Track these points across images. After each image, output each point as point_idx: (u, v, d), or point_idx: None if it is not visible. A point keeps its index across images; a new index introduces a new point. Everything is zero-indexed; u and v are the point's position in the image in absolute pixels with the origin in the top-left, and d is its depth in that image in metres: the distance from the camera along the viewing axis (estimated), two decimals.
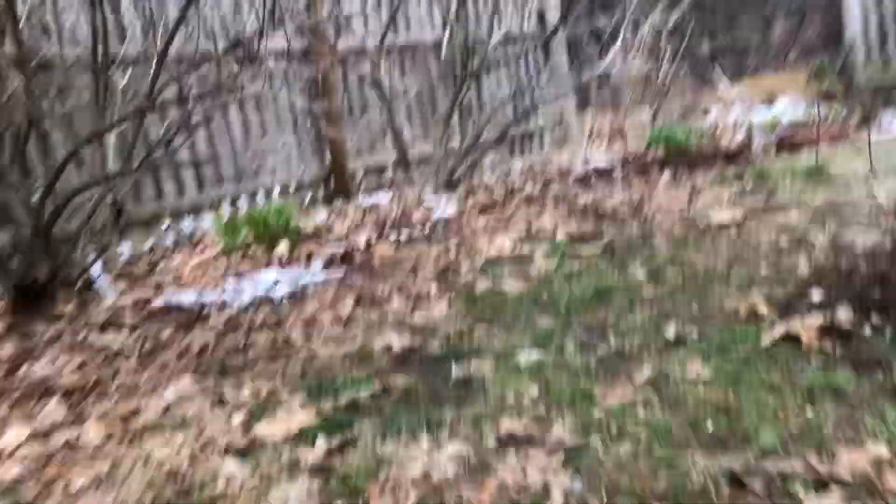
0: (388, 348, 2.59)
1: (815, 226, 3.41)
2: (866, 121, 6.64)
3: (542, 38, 7.02)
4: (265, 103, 5.76)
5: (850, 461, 1.60)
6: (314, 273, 3.93)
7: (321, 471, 1.86)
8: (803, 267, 2.74)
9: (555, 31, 6.46)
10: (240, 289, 3.73)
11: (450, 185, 5.62)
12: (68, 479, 1.92)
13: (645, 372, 2.16)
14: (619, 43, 5.91)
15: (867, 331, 2.17)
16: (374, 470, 1.82)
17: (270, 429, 2.09)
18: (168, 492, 1.83)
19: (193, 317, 3.22)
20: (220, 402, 2.32)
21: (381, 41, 5.50)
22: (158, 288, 3.80)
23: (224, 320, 3.16)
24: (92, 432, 2.17)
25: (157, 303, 3.49)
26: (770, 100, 9.20)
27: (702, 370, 2.12)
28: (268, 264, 4.18)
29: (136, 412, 2.29)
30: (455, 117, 5.67)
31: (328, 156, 6.09)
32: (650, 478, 1.65)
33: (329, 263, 4.06)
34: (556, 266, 3.34)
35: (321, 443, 1.97)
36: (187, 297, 3.55)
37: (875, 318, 2.21)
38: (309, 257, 4.22)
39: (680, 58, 7.66)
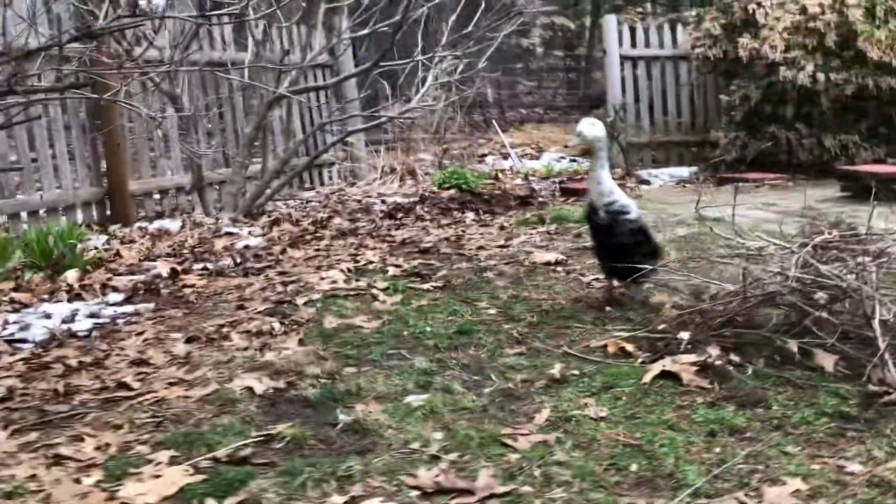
0: (251, 391, 2.30)
1: None
2: (628, 175, 7.38)
3: (340, 74, 6.93)
4: (32, 111, 5.02)
5: (776, 497, 1.67)
6: (116, 306, 3.45)
7: None
8: (666, 307, 2.88)
9: (358, 73, 6.38)
10: (25, 323, 3.16)
11: (250, 213, 5.29)
12: None
13: (544, 412, 2.12)
14: (425, 87, 5.99)
15: (732, 368, 2.33)
16: None
17: (140, 491, 1.74)
18: None
19: None
20: (58, 461, 1.90)
21: (182, 53, 5.06)
22: None
23: (23, 359, 2.63)
24: None
25: None
26: (538, 151, 9.90)
27: (599, 409, 2.13)
28: (52, 294, 3.60)
29: None
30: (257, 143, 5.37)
31: (106, 175, 5.46)
32: None
33: (132, 295, 3.58)
34: (401, 302, 3.23)
35: None
36: None
37: (735, 357, 2.38)
38: (104, 287, 3.70)
39: (467, 105, 7.98)
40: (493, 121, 9.66)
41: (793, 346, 2.30)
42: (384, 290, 3.43)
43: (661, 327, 2.59)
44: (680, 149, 8.24)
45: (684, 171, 7.66)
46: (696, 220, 4.77)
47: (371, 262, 3.97)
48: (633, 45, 8.07)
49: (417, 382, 2.36)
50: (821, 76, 6.06)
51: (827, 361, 2.30)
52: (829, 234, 2.38)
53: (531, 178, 7.76)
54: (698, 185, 6.68)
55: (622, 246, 2.92)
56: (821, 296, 2.36)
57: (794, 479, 1.73)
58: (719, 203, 4.21)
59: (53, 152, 5.27)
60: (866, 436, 1.92)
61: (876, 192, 5.14)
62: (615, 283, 3.13)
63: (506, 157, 8.91)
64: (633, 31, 8.14)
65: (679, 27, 8.18)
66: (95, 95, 3.29)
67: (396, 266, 3.88)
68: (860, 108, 6.36)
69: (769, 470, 1.79)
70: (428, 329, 2.85)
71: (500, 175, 7.77)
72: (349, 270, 3.79)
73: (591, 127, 2.86)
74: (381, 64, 4.95)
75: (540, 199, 6.23)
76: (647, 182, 7.15)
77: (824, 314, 2.33)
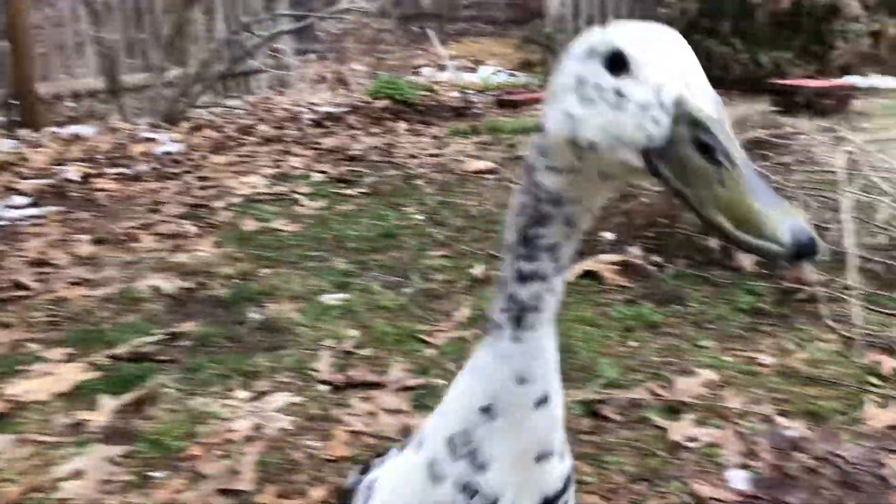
0: (159, 291, 2.20)
1: None
2: None
3: None
4: None
5: (687, 386, 1.67)
6: (20, 209, 3.25)
7: (118, 435, 1.49)
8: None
9: None
10: None
11: (170, 118, 5.03)
12: None
13: (463, 310, 2.08)
14: None
15: (653, 268, 2.32)
16: (190, 428, 1.51)
17: (31, 388, 1.64)
18: None
19: None
20: None
21: None
22: None
23: None
24: None
25: None
26: (476, 63, 9.69)
27: None
28: None
29: None
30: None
31: (13, 75, 5.10)
32: None
33: (39, 198, 3.38)
34: (325, 207, 3.13)
35: (107, 402, 1.59)
36: None
37: (656, 257, 2.37)
38: (7, 190, 3.49)
39: (404, 16, 7.71)
40: (431, 32, 9.38)
41: (714, 243, 2.29)
42: (307, 195, 3.32)
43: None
44: None
45: None
46: None
47: (295, 168, 3.83)
48: None
49: (336, 283, 2.28)
50: None
51: (746, 260, 2.31)
52: (752, 134, 2.35)
53: (468, 90, 7.60)
54: None
55: None
56: None
57: (706, 371, 1.73)
58: None
59: None
60: (778, 330, 1.94)
61: (802, 104, 5.19)
62: None
63: (442, 68, 8.69)
64: None
65: None
66: None
67: (322, 172, 3.75)
68: (795, 24, 6.35)
69: (683, 362, 1.80)
70: (351, 233, 2.77)
71: (435, 86, 7.58)
72: (272, 176, 3.65)
73: None
74: None
75: (475, 111, 6.11)
76: None
77: None
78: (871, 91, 6.42)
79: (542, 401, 0.64)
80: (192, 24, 5.07)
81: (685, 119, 0.51)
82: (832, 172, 2.19)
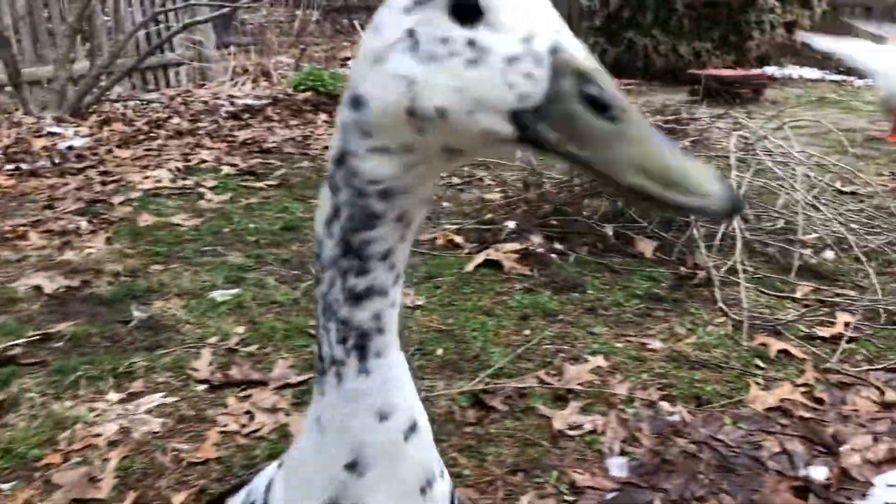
0: (39, 291, 2.08)
1: (479, 167, 3.57)
2: None
3: None
4: None
5: (576, 373, 1.65)
6: None
7: None
8: (494, 198, 2.82)
9: None
10: None
11: (78, 113, 4.83)
12: None
13: None
14: None
15: (554, 256, 2.30)
16: (51, 435, 1.42)
17: None
18: None
19: None
20: None
21: None
22: None
23: None
24: None
25: None
26: None
27: (416, 298, 2.05)
28: None
29: None
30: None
31: None
32: None
33: None
34: (230, 200, 3.03)
35: None
36: None
37: (558, 245, 2.36)
38: None
39: (332, 7, 7.59)
40: (359, 24, 9.26)
41: (609, 230, 2.28)
42: (213, 188, 3.21)
43: (488, 217, 2.52)
44: None
45: None
46: None
47: (205, 162, 3.71)
48: None
49: (229, 278, 2.20)
50: None
51: (646, 247, 2.31)
52: (650, 119, 2.35)
53: None
54: None
55: None
56: None
57: (596, 357, 1.72)
58: None
59: None
60: (672, 315, 1.94)
61: (718, 93, 5.28)
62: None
63: None
64: None
65: None
66: None
67: (232, 165, 3.64)
68: (713, 16, 6.46)
69: (574, 349, 1.78)
70: (252, 226, 2.68)
71: None
72: (178, 170, 3.52)
73: None
74: None
75: None
76: None
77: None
78: (786, 80, 6.59)
79: (412, 428, 0.54)
80: (98, 13, 4.87)
81: (567, 71, 0.43)
82: (726, 157, 2.20)
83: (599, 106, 0.42)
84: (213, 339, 1.81)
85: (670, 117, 2.33)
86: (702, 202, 0.40)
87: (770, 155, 2.25)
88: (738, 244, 2.02)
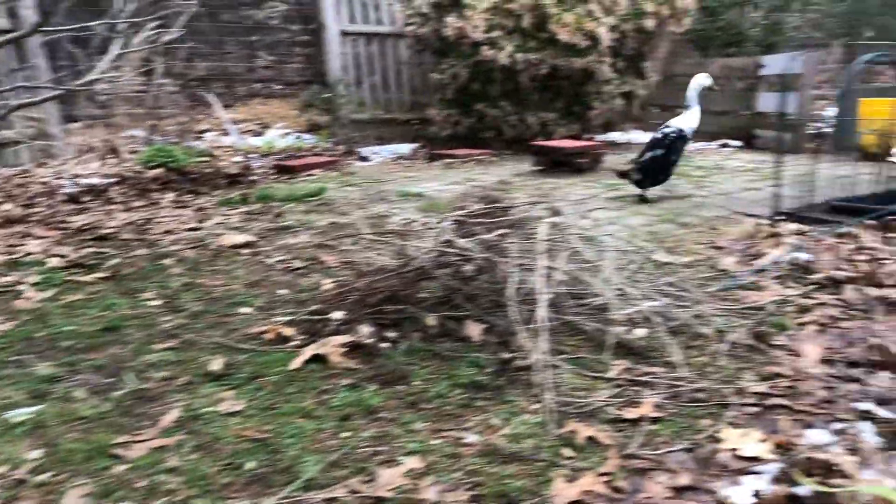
0: None
1: (323, 248, 3.56)
2: (350, 152, 7.34)
3: (16, 35, 6.10)
4: None
5: (389, 478, 1.63)
6: None
7: None
8: (326, 286, 2.80)
9: (33, 30, 5.64)
10: None
11: None
12: None
13: (173, 412, 1.94)
14: (110, 54, 5.43)
15: (385, 346, 2.30)
16: None
17: None
18: None
19: None
20: None
21: None
22: None
23: None
24: None
25: None
26: (263, 127, 9.56)
27: (235, 403, 1.98)
28: None
29: None
30: None
31: None
32: None
33: None
34: (52, 297, 2.86)
35: None
36: None
37: (391, 333, 2.36)
38: None
39: (174, 77, 7.45)
40: (213, 95, 9.13)
41: (431, 319, 2.31)
42: (35, 284, 3.03)
43: (315, 308, 2.50)
44: (403, 126, 8.35)
45: (406, 148, 7.77)
46: (401, 196, 4.81)
47: (31, 254, 3.52)
48: (353, 20, 8.01)
49: (32, 393, 2.06)
50: (519, 56, 6.38)
51: (473, 331, 2.34)
52: (474, 208, 2.42)
53: (251, 155, 7.45)
54: (413, 161, 6.79)
55: None
56: (468, 269, 2.39)
57: (411, 458, 1.71)
58: (424, 178, 4.25)
59: None
60: (490, 405, 1.96)
61: (562, 164, 5.53)
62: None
63: (227, 133, 8.48)
64: (351, 5, 8.07)
65: (396, 3, 8.25)
66: None
67: (61, 256, 3.46)
68: (557, 88, 6.81)
69: (391, 450, 1.76)
70: (69, 328, 2.54)
71: (217, 152, 7.37)
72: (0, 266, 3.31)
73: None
74: (51, 28, 4.38)
75: (251, 178, 5.97)
76: (366, 159, 7.14)
77: (468, 287, 2.37)
78: (628, 146, 6.98)
79: None
80: None
81: None
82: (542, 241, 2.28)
83: None
84: (2, 469, 1.68)
85: (490, 205, 2.40)
86: None
87: (582, 238, 2.35)
88: (542, 328, 2.08)
